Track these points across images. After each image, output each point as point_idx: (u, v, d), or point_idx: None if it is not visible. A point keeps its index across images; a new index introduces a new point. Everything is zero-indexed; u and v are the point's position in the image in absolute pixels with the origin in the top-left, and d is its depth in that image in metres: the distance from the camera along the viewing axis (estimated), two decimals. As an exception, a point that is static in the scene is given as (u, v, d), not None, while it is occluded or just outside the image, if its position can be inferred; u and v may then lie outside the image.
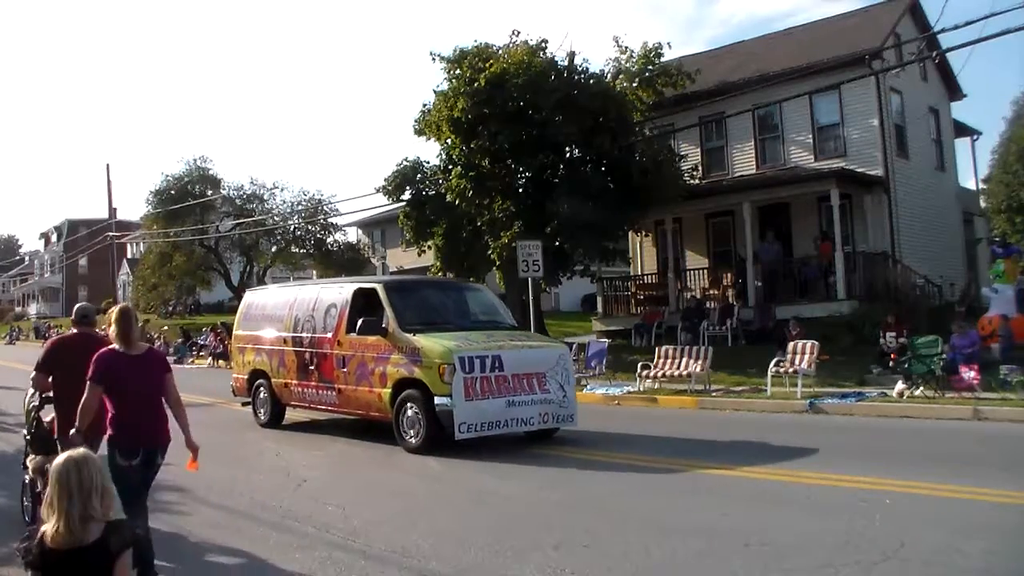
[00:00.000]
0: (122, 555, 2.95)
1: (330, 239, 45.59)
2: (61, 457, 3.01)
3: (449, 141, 20.36)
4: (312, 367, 11.91)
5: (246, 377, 13.58)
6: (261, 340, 13.29)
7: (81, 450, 3.07)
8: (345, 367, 11.25)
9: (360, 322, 10.97)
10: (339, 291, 12.09)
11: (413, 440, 10.06)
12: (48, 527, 2.91)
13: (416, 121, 21.08)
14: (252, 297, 14.77)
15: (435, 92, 20.44)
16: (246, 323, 14.05)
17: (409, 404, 10.15)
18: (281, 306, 13.11)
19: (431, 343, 10.10)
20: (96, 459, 3.03)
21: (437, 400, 9.74)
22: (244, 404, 13.82)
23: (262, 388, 13.16)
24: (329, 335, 11.67)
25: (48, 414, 6.49)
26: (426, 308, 11.51)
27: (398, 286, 12.01)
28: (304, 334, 12.20)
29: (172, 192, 43.64)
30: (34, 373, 6.46)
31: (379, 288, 11.31)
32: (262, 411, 13.20)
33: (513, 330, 11.83)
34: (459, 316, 11.70)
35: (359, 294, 11.61)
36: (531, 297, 18.08)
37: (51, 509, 2.91)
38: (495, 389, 9.88)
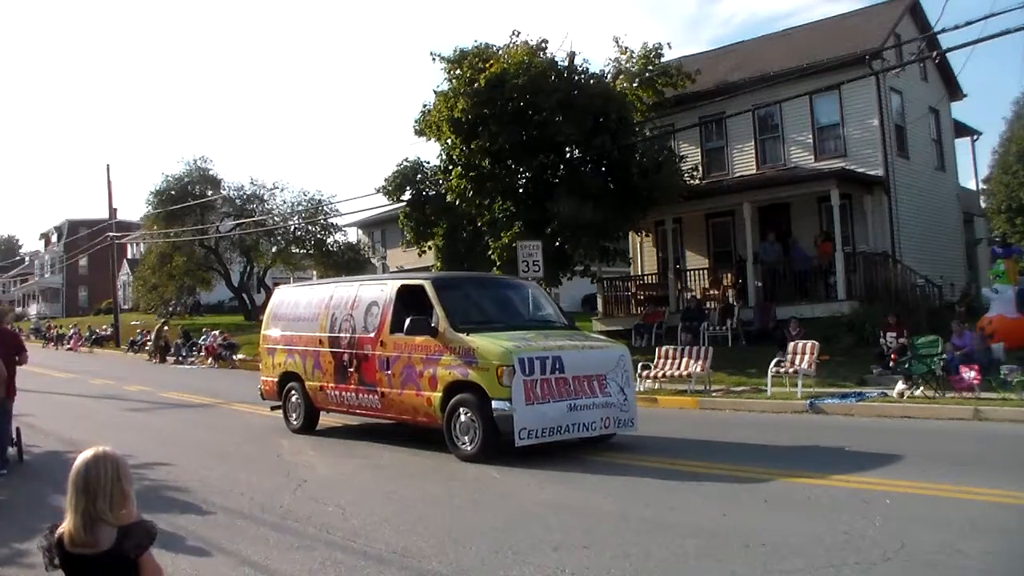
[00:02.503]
0: (143, 557, 2.93)
1: (330, 239, 45.60)
2: (82, 455, 3.02)
3: (449, 141, 20.35)
4: (352, 369, 11.22)
5: (276, 380, 12.78)
6: (293, 340, 12.51)
7: (102, 448, 3.03)
8: (389, 369, 10.59)
9: (408, 321, 10.21)
10: (381, 288, 11.33)
11: (468, 447, 9.42)
12: (64, 526, 2.94)
13: (416, 121, 21.07)
14: (282, 295, 13.74)
15: (435, 92, 20.45)
16: (276, 322, 13.15)
17: (462, 409, 9.51)
18: (315, 304, 12.29)
19: (488, 343, 9.47)
20: (115, 459, 2.98)
21: (495, 404, 9.10)
22: (274, 408, 13.04)
23: (294, 391, 12.39)
24: (371, 335, 10.97)
25: None
26: (477, 306, 10.87)
27: (447, 283, 11.23)
28: (342, 334, 11.48)
29: (172, 192, 43.65)
30: None
31: (427, 285, 10.55)
32: (294, 416, 12.41)
33: (568, 329, 11.24)
34: (511, 315, 11.04)
35: (404, 291, 10.89)
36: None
37: (67, 508, 2.94)
38: (555, 392, 9.31)
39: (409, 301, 10.75)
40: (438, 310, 10.12)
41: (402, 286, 11.04)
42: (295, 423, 12.37)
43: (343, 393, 11.47)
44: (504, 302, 11.46)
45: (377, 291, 11.34)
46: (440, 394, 9.83)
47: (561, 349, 9.65)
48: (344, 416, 12.50)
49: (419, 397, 10.19)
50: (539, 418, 9.14)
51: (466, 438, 9.49)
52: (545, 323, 11.04)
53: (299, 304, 12.78)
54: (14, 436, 10.26)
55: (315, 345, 11.99)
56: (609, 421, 9.75)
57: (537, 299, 11.80)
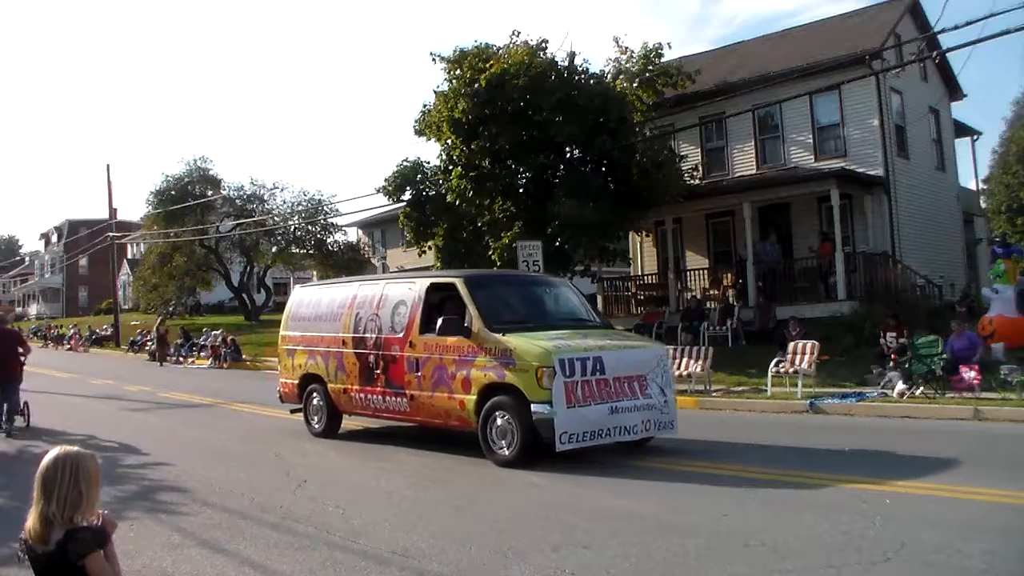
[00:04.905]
0: (88, 560, 2.94)
1: (330, 239, 45.62)
2: (48, 454, 3.05)
3: (449, 142, 20.33)
4: (378, 371, 10.81)
5: (296, 382, 12.34)
6: (314, 341, 12.06)
7: (64, 449, 3.05)
8: (419, 371, 10.18)
9: (440, 321, 9.86)
10: (409, 287, 10.88)
11: (505, 452, 9.03)
12: (28, 522, 3.02)
13: (416, 122, 21.05)
14: (302, 294, 13.27)
15: (435, 93, 20.42)
16: (295, 323, 12.71)
17: (499, 412, 9.12)
18: (339, 304, 11.85)
19: (526, 344, 9.10)
20: (76, 460, 3.00)
21: (535, 407, 8.73)
22: (294, 411, 12.62)
23: (315, 394, 11.99)
24: (399, 335, 10.55)
25: None
26: (511, 305, 10.47)
27: (480, 281, 10.87)
28: (368, 335, 11.06)
29: (172, 192, 43.67)
30: None
31: (459, 283, 10.20)
32: (316, 419, 11.99)
33: (605, 328, 10.89)
34: (544, 314, 10.70)
35: (433, 290, 10.55)
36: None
37: (32, 504, 3.01)
38: (596, 394, 8.96)
39: (439, 300, 10.48)
40: (471, 309, 9.75)
41: (432, 284, 10.68)
42: (317, 427, 11.96)
43: (369, 396, 11.07)
44: (537, 301, 11.11)
45: (404, 290, 10.91)
46: (474, 397, 9.45)
47: (601, 349, 9.31)
48: (365, 421, 12.20)
49: (451, 400, 9.80)
50: (581, 422, 8.79)
51: (503, 442, 9.11)
52: (579, 322, 10.68)
53: (320, 303, 12.35)
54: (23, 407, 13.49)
55: (338, 346, 11.56)
56: (650, 424, 9.40)
57: (570, 298, 11.40)
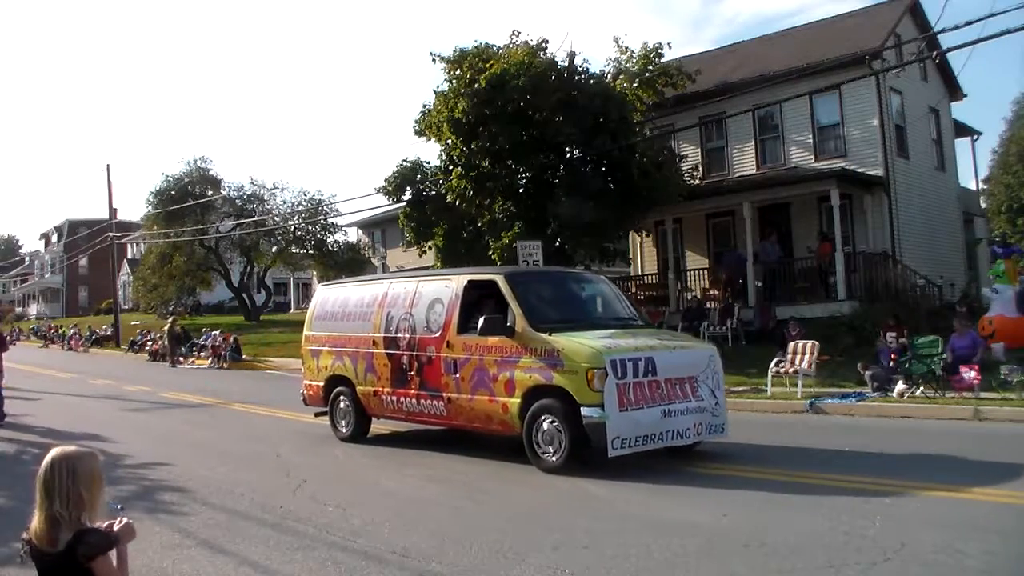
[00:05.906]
0: (95, 562, 2.93)
1: (330, 239, 45.63)
2: (48, 455, 3.04)
3: (449, 142, 20.33)
4: (412, 373, 10.32)
5: (322, 384, 11.82)
6: (341, 341, 11.56)
7: (62, 449, 3.04)
8: (457, 373, 9.71)
9: (482, 320, 9.37)
10: (445, 284, 10.42)
11: (552, 458, 8.60)
12: (32, 524, 3.00)
13: (416, 122, 21.05)
14: (328, 292, 12.81)
15: (435, 93, 20.42)
16: (321, 322, 12.21)
17: (545, 416, 8.69)
18: (368, 302, 11.36)
19: (574, 344, 8.69)
20: (73, 461, 2.98)
21: (585, 411, 8.31)
22: (319, 415, 12.14)
23: (343, 397, 11.47)
24: (435, 335, 10.07)
25: None
26: (554, 303, 10.07)
27: (522, 277, 10.45)
28: (400, 335, 10.56)
29: (172, 192, 43.67)
30: None
31: (501, 280, 9.76)
32: (343, 423, 11.49)
33: (650, 327, 10.57)
34: (589, 312, 10.36)
35: (472, 287, 10.07)
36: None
37: (36, 506, 3.00)
38: (649, 397, 8.52)
39: (478, 298, 10.08)
40: (514, 307, 9.31)
41: (470, 282, 10.19)
42: (344, 431, 11.47)
43: (402, 399, 10.57)
44: (579, 298, 10.77)
45: (440, 287, 10.47)
46: (518, 400, 9.02)
47: (652, 349, 8.90)
48: (390, 424, 11.94)
49: (493, 403, 9.33)
50: (633, 426, 8.37)
51: (550, 448, 8.68)
52: (623, 321, 10.32)
53: (348, 302, 11.86)
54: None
55: (368, 347, 11.06)
56: (701, 427, 8.95)
57: (610, 295, 11.04)
